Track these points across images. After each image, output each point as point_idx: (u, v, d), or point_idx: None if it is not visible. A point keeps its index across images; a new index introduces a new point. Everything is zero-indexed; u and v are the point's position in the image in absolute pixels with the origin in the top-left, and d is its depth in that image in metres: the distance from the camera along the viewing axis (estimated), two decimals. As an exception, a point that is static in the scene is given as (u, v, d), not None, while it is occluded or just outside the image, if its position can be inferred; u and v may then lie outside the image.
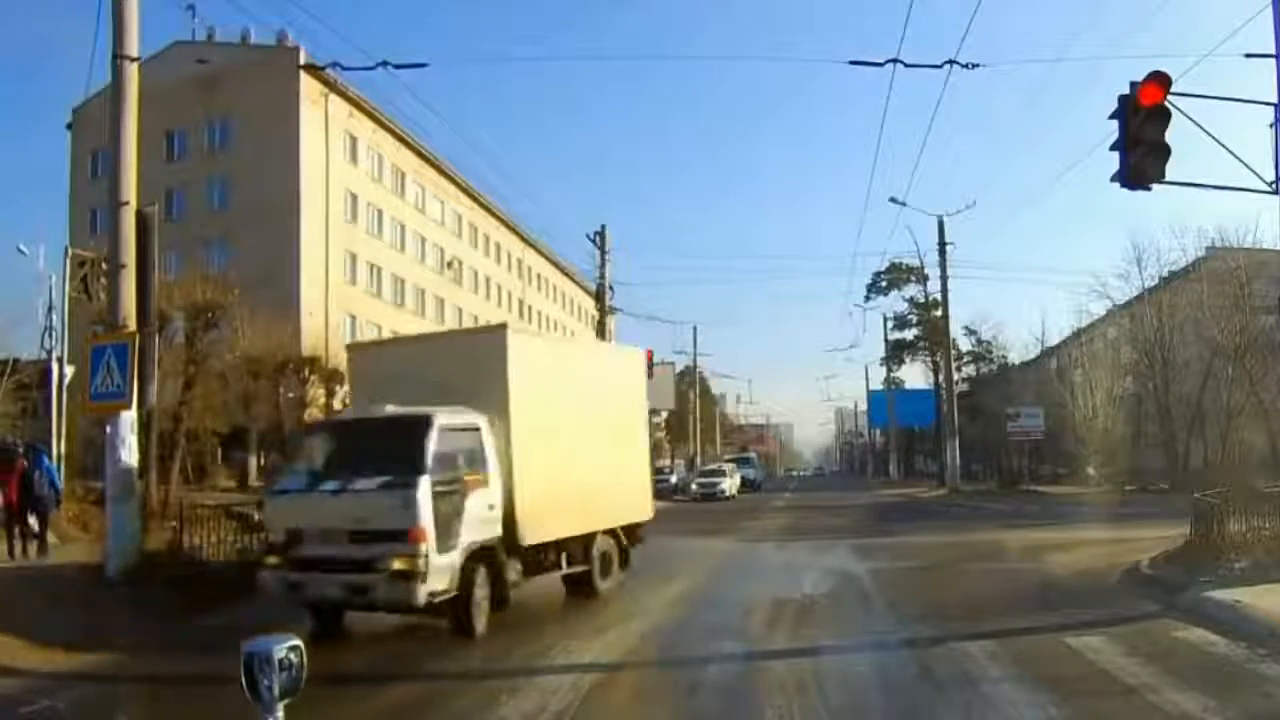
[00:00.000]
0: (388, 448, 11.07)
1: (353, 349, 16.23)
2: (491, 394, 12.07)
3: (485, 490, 11.53)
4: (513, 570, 11.94)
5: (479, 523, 11.31)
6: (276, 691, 3.64)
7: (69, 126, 53.58)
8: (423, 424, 11.00)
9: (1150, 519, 20.76)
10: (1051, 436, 51.00)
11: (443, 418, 11.20)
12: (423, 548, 10.40)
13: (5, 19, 72.59)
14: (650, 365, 31.04)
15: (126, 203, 12.64)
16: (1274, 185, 12.54)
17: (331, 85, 50.48)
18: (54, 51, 78.76)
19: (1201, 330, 42.11)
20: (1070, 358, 58.10)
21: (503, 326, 13.75)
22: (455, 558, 10.82)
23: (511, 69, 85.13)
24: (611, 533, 14.69)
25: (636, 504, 15.72)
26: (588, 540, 13.89)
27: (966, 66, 13.59)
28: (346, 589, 10.72)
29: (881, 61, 13.72)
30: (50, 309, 38.95)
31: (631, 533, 15.53)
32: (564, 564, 13.45)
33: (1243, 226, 43.97)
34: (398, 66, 14.52)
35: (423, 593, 10.41)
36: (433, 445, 10.80)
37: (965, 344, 64.57)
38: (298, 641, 3.69)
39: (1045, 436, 50.71)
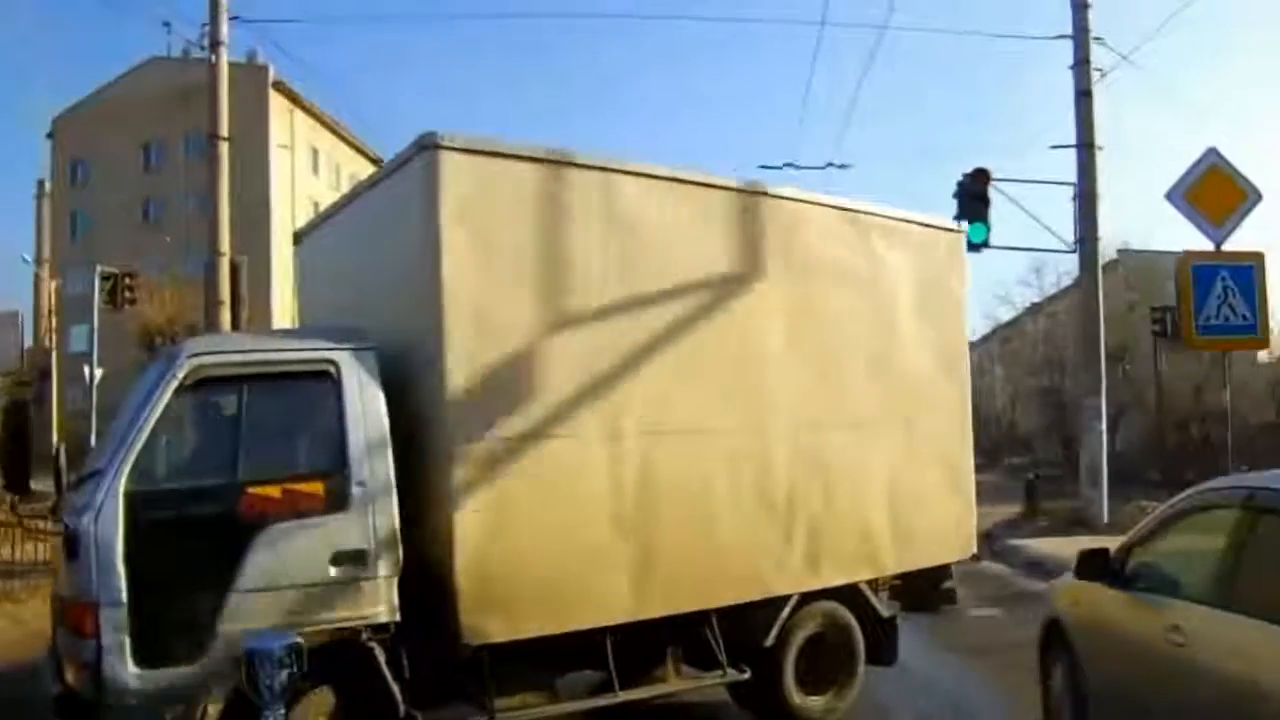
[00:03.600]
0: (120, 421, 5.63)
1: (300, 236, 8.36)
2: (415, 297, 5.91)
3: (328, 522, 5.39)
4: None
5: (295, 594, 5.26)
6: (278, 688, 3.73)
7: (50, 135, 56.05)
8: (155, 371, 5.64)
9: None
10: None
11: (205, 355, 5.51)
12: (90, 646, 4.85)
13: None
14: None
15: (223, 253, 16.48)
16: (1073, 245, 17.34)
17: (296, 101, 54.10)
18: (34, 60, 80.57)
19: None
20: (993, 355, 63.80)
21: (429, 142, 5.73)
22: (190, 676, 4.98)
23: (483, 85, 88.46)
24: (846, 596, 7.31)
25: (924, 531, 7.76)
26: (765, 614, 6.83)
27: (841, 167, 18.37)
28: None
29: (779, 165, 18.05)
30: (51, 313, 42.40)
31: (916, 587, 8.11)
32: (678, 664, 6.83)
33: (1137, 238, 49.47)
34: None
35: None
36: (154, 416, 5.21)
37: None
38: (299, 640, 3.83)
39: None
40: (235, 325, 16.54)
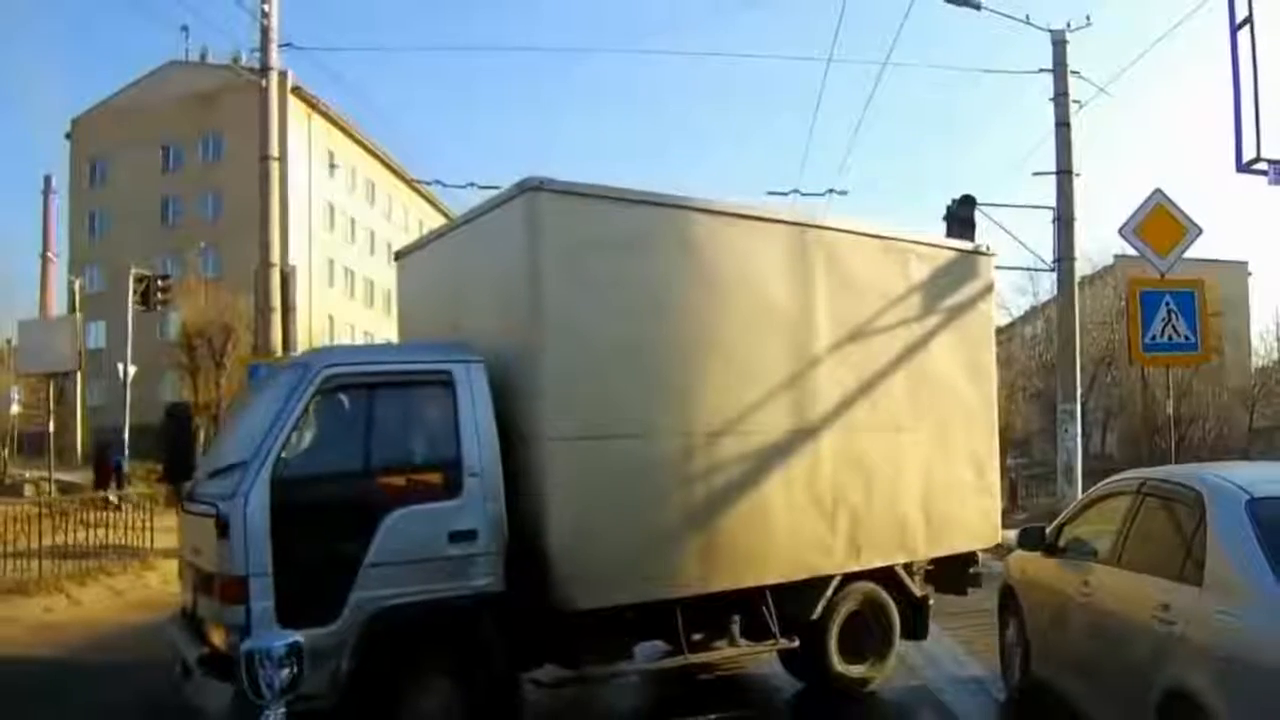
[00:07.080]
0: (258, 419, 6.35)
1: (401, 255, 9.17)
2: (515, 317, 6.78)
3: (440, 507, 6.30)
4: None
5: (418, 567, 6.14)
6: (277, 688, 3.79)
7: (68, 136, 57.32)
8: (290, 377, 6.43)
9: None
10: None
11: (338, 364, 6.41)
12: (240, 613, 5.63)
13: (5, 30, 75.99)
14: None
15: (274, 264, 17.80)
16: (1052, 264, 18.84)
17: (314, 105, 55.38)
18: (53, 62, 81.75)
19: (1085, 340, 48.60)
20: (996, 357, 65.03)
21: (531, 185, 6.61)
22: (326, 637, 5.71)
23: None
24: (883, 577, 8.28)
25: (954, 522, 8.72)
26: (812, 591, 7.80)
27: (841, 194, 19.70)
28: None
29: (787, 192, 19.34)
30: (76, 310, 43.67)
31: (946, 572, 8.95)
32: (737, 633, 7.63)
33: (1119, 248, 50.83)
34: (483, 188, 16.34)
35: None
36: (294, 415, 6.02)
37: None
38: (299, 638, 3.89)
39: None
40: (285, 331, 17.92)
